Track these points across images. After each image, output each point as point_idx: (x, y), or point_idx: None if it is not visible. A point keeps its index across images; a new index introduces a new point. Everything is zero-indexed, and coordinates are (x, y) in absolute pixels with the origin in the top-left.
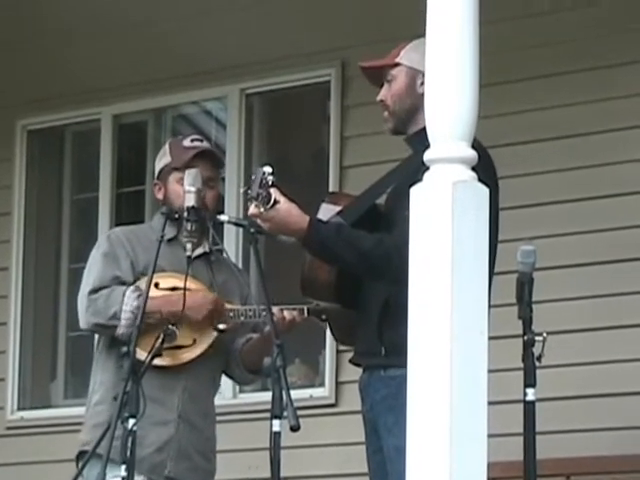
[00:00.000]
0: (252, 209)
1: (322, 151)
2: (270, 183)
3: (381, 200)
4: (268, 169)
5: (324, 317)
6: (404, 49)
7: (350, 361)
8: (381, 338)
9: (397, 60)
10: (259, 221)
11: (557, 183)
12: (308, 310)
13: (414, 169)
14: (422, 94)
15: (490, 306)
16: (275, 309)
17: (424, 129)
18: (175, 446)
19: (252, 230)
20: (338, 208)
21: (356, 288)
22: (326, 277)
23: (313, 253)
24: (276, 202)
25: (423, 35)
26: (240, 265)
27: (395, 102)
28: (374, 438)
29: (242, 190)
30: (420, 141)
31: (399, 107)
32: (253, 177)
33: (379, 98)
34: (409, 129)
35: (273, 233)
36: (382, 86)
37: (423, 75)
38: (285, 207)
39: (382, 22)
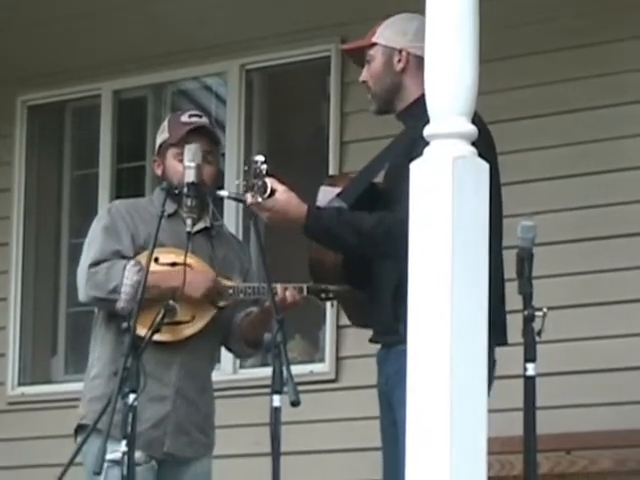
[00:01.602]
0: (250, 199)
1: (322, 127)
2: (264, 172)
3: (378, 178)
4: (260, 158)
5: (323, 296)
6: (379, 27)
7: (370, 340)
8: (397, 317)
9: (373, 40)
10: (257, 211)
11: (557, 158)
12: (308, 288)
13: (409, 144)
14: (401, 71)
15: (504, 280)
16: (278, 287)
17: (413, 104)
18: (172, 422)
19: None
20: (337, 190)
21: (365, 268)
22: (333, 259)
23: (315, 240)
24: (273, 191)
25: (423, 11)
26: None
27: (375, 83)
28: (388, 411)
29: (237, 183)
30: (410, 116)
31: (380, 87)
32: (246, 168)
33: (361, 79)
34: (396, 107)
35: (272, 223)
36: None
37: (399, 52)
38: (284, 197)
39: None
